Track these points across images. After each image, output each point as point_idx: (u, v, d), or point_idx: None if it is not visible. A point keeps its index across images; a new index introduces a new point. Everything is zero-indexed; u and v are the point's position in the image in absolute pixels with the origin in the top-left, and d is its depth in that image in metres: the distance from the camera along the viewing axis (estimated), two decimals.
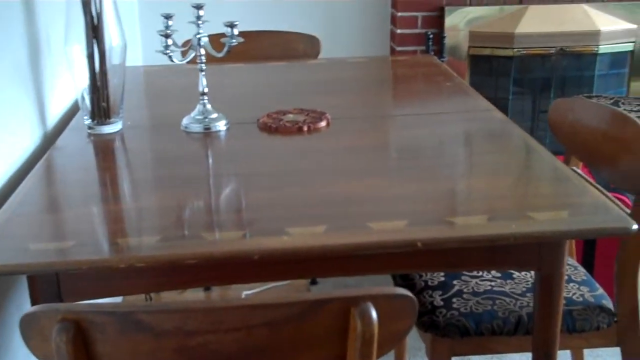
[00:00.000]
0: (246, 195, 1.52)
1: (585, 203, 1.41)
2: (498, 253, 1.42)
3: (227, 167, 1.71)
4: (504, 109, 3.66)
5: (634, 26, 3.66)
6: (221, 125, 1.91)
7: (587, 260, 2.60)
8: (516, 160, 1.71)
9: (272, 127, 1.91)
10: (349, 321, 1.01)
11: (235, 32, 1.83)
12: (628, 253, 1.68)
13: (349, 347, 1.03)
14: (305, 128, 1.90)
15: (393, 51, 3.71)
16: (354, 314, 1.00)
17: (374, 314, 1.00)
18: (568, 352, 2.27)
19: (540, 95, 3.69)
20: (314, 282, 2.79)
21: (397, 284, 1.87)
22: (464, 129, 1.93)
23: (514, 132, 1.84)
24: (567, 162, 1.97)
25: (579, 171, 1.93)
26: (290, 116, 1.97)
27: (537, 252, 1.42)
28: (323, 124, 1.92)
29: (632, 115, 3.10)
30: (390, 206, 1.43)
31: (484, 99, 2.14)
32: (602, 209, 1.38)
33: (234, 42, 1.84)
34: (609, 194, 1.76)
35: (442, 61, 3.56)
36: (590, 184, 1.81)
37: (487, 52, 3.63)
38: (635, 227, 1.32)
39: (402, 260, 1.40)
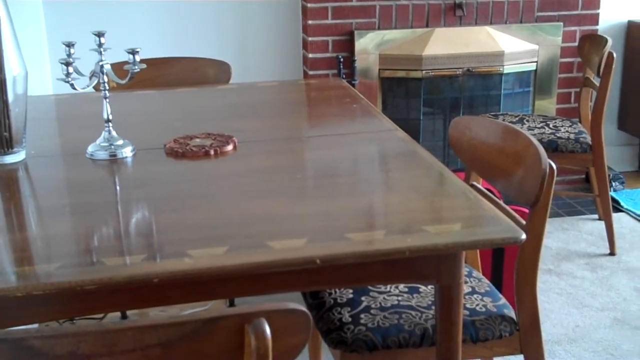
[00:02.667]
0: (150, 220, 1.53)
1: (477, 216, 1.47)
2: (398, 267, 1.46)
3: (133, 193, 1.71)
4: (415, 129, 3.75)
5: (536, 47, 3.81)
6: (127, 152, 1.91)
7: (496, 272, 2.68)
8: (415, 177, 1.76)
9: (179, 152, 1.92)
10: (243, 338, 1.03)
11: (137, 58, 1.84)
12: (525, 263, 1.75)
13: None
14: (212, 152, 1.91)
15: (306, 75, 3.77)
16: (247, 331, 1.02)
17: (267, 329, 1.02)
18: None
19: (450, 115, 3.80)
20: (232, 304, 2.79)
21: (307, 302, 1.89)
22: (367, 148, 1.98)
23: (415, 150, 1.90)
24: (467, 177, 2.04)
25: (479, 186, 2.00)
26: (197, 141, 1.99)
27: (436, 265, 1.47)
28: (230, 147, 1.95)
29: (536, 131, 3.22)
30: (291, 225, 1.46)
31: (388, 119, 2.20)
32: (493, 220, 1.44)
33: (137, 68, 1.85)
34: (507, 207, 1.84)
35: (354, 84, 3.64)
36: (490, 198, 1.88)
37: (397, 74, 3.71)
38: (523, 237, 1.38)
39: (304, 278, 1.43)
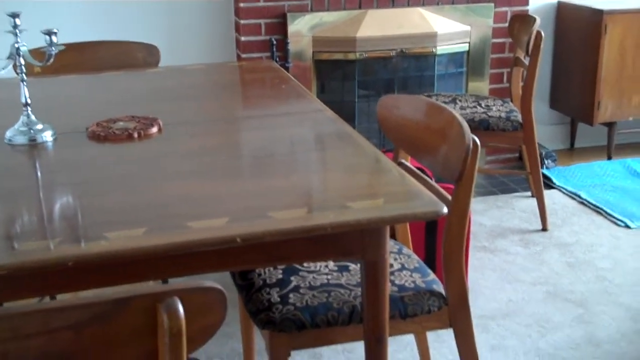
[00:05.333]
0: (69, 205, 1.49)
1: (401, 191, 1.47)
2: (322, 244, 1.45)
3: (53, 178, 1.67)
4: (351, 111, 3.75)
5: (468, 28, 3.84)
6: (47, 136, 1.86)
7: (429, 250, 2.70)
8: (341, 156, 1.76)
9: (101, 135, 1.87)
10: (156, 318, 1.01)
11: (55, 39, 1.79)
12: (452, 238, 1.76)
13: (159, 344, 1.02)
14: (136, 135, 1.88)
15: (239, 58, 3.73)
16: (160, 310, 1.00)
17: (180, 308, 1.00)
18: (412, 339, 2.35)
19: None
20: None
21: (236, 284, 1.87)
22: (295, 129, 1.96)
23: (343, 129, 1.89)
24: (396, 155, 2.04)
25: (407, 164, 2.00)
26: (121, 124, 1.95)
27: (360, 240, 1.46)
28: (154, 129, 1.91)
29: (468, 111, 3.25)
30: (212, 205, 1.43)
31: (318, 100, 2.19)
32: (416, 195, 1.44)
33: (54, 50, 1.80)
34: (434, 183, 1.85)
35: (287, 67, 3.62)
36: (416, 174, 1.88)
37: (331, 56, 3.70)
38: (445, 210, 1.38)
39: (227, 258, 1.40)
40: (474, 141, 1.66)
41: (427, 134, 1.83)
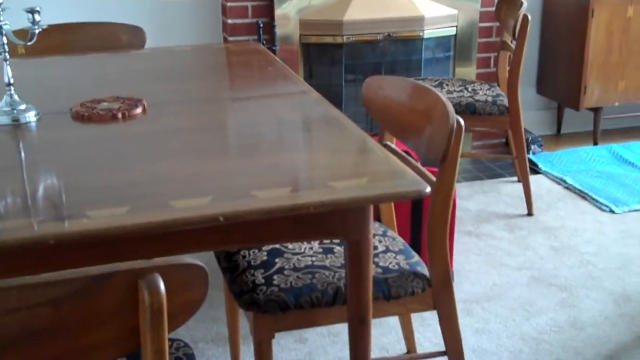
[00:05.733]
0: (52, 184, 1.48)
1: (384, 171, 1.47)
2: (305, 224, 1.45)
3: (36, 157, 1.66)
4: (338, 95, 3.74)
5: (455, 11, 3.83)
6: (31, 116, 1.85)
7: (415, 232, 2.70)
8: (325, 136, 1.75)
9: (85, 115, 1.86)
10: (137, 294, 1.00)
11: (38, 18, 1.78)
12: (436, 219, 1.76)
13: (140, 320, 1.02)
14: (120, 115, 1.87)
15: (226, 41, 3.71)
16: (141, 286, 1.00)
17: (161, 284, 1.00)
18: (397, 323, 2.36)
19: None
20: None
21: (221, 266, 1.87)
22: (280, 110, 1.96)
23: (328, 110, 1.88)
24: (381, 137, 2.04)
25: (392, 145, 2.00)
26: (105, 104, 1.94)
27: (343, 220, 1.46)
28: (139, 110, 1.90)
29: (455, 95, 3.24)
30: (196, 184, 1.43)
31: (303, 82, 2.18)
32: (399, 175, 1.44)
33: (37, 28, 1.78)
34: (418, 164, 1.85)
35: (274, 50, 3.60)
36: (400, 155, 1.88)
37: (318, 40, 3.69)
38: (428, 189, 1.38)
39: (211, 237, 1.40)
40: (458, 122, 1.66)
41: (412, 115, 1.83)
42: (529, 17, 3.10)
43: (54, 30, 2.83)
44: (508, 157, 3.70)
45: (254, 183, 1.43)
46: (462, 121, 1.66)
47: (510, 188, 3.67)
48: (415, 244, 2.68)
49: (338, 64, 3.74)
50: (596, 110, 4.19)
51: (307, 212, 1.33)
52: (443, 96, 1.72)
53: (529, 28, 3.10)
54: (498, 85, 3.47)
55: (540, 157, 4.01)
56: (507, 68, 3.38)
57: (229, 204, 1.33)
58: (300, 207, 1.32)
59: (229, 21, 3.61)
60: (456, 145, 1.66)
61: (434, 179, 1.73)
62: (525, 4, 3.17)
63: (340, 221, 1.46)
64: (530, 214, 3.37)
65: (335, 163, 1.55)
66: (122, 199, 1.36)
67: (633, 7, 3.95)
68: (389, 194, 1.38)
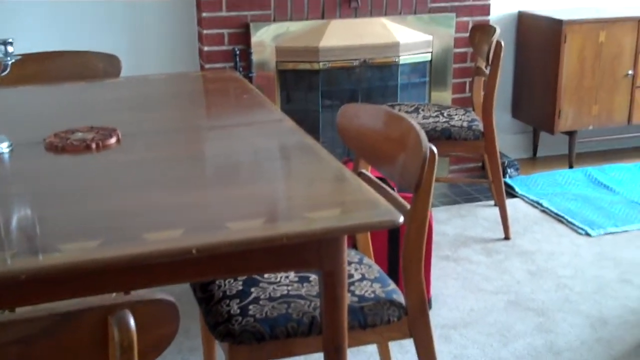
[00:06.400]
0: (25, 216, 1.47)
1: (357, 200, 1.47)
2: (279, 255, 1.44)
3: (8, 189, 1.64)
4: (315, 120, 3.75)
5: (430, 37, 3.87)
6: (4, 147, 1.84)
7: (393, 260, 2.70)
8: (300, 165, 1.76)
9: (59, 146, 1.86)
10: (107, 331, 1.00)
11: (10, 49, 1.77)
12: (411, 247, 1.76)
13: (110, 357, 1.01)
14: (94, 145, 1.86)
15: (202, 68, 3.72)
16: (110, 323, 0.99)
17: (131, 321, 0.99)
18: (375, 350, 2.36)
19: None
20: None
21: (196, 296, 1.86)
22: (254, 138, 1.96)
23: (302, 139, 1.89)
24: (356, 165, 2.05)
25: (368, 173, 2.01)
26: (79, 134, 1.93)
27: (317, 251, 1.46)
28: (113, 140, 1.90)
29: (430, 120, 3.27)
30: (169, 216, 1.42)
31: (278, 109, 2.19)
32: (372, 204, 1.44)
33: (10, 59, 1.78)
34: (392, 192, 1.85)
35: (251, 77, 3.61)
36: (375, 183, 1.89)
37: (294, 66, 3.71)
38: (401, 219, 1.39)
39: (184, 270, 1.39)
40: (432, 150, 1.66)
41: (386, 143, 1.84)
42: (502, 43, 3.13)
43: (29, 59, 2.83)
44: (484, 181, 3.72)
45: (228, 214, 1.42)
46: (435, 149, 1.67)
47: (488, 212, 3.69)
48: (393, 270, 2.69)
49: (315, 90, 3.76)
50: (571, 134, 4.24)
51: (280, 243, 1.33)
52: (416, 124, 1.73)
53: (502, 54, 3.13)
54: (473, 110, 3.50)
55: (516, 181, 4.04)
56: (482, 93, 3.41)
57: (202, 236, 1.33)
58: (274, 239, 1.32)
59: (206, 48, 3.62)
60: (430, 173, 1.67)
61: (408, 206, 1.74)
62: (498, 31, 3.21)
63: (314, 252, 1.46)
64: (507, 237, 3.38)
65: (310, 193, 1.56)
66: (94, 232, 1.35)
67: (605, 32, 4.01)
68: (362, 225, 1.38)
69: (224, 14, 3.59)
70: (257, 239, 1.32)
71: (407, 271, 1.78)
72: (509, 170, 4.09)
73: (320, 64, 3.67)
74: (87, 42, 3.42)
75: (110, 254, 1.27)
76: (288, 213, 1.43)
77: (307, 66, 3.69)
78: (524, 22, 4.26)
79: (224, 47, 3.64)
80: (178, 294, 2.64)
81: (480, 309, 2.79)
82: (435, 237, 3.26)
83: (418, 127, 1.71)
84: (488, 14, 3.98)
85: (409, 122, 1.74)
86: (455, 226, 3.53)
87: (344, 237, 1.47)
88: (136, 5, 3.69)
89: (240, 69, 3.61)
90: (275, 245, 1.35)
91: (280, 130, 1.99)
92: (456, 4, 3.90)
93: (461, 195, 3.92)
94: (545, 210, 3.68)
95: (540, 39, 4.14)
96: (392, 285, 1.88)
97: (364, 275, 1.90)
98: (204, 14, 3.57)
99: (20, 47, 1.83)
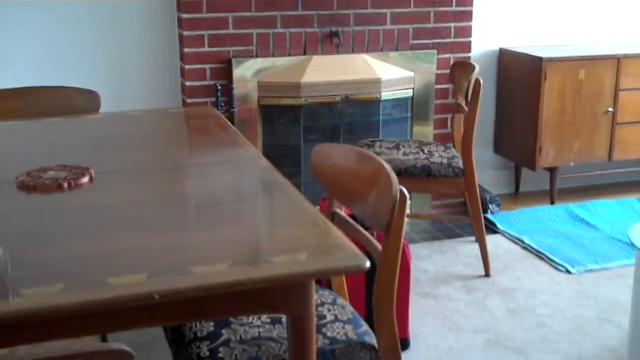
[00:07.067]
0: None
1: (324, 244, 1.46)
2: (246, 298, 1.43)
3: None
4: (296, 155, 3.75)
5: (411, 74, 3.89)
6: None
7: (370, 299, 2.68)
8: (269, 206, 1.75)
9: (30, 185, 1.85)
10: None
11: None
12: (381, 289, 1.75)
13: None
14: (66, 185, 1.85)
15: (184, 103, 3.72)
16: None
17: None
18: None
19: (330, 142, 3.82)
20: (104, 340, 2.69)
21: (167, 337, 1.84)
22: (227, 178, 1.96)
23: (275, 178, 1.89)
24: (330, 204, 2.04)
25: (341, 213, 2.01)
26: (51, 173, 1.92)
27: (285, 295, 1.45)
28: (85, 179, 1.89)
29: (411, 157, 3.27)
30: (133, 260, 1.41)
31: (253, 147, 2.19)
32: (339, 248, 1.43)
33: None
34: (365, 232, 1.85)
35: (232, 112, 3.62)
36: (348, 223, 1.88)
37: (276, 101, 3.72)
38: (367, 264, 1.38)
39: (148, 314, 1.38)
40: (402, 191, 1.66)
41: (358, 182, 1.84)
42: (481, 81, 3.15)
43: (7, 94, 2.83)
44: (465, 218, 3.72)
45: (193, 258, 1.41)
46: (405, 191, 1.67)
47: (469, 248, 3.69)
48: (370, 310, 2.66)
49: (297, 125, 3.77)
50: (552, 170, 4.25)
51: (244, 288, 1.32)
52: (387, 165, 1.73)
53: (481, 92, 3.15)
54: (454, 147, 3.51)
55: (498, 217, 4.05)
56: (462, 130, 3.42)
57: (165, 281, 1.32)
58: (237, 284, 1.32)
59: (187, 83, 3.63)
60: (400, 215, 1.67)
61: (379, 247, 1.73)
62: (477, 68, 3.23)
63: (281, 296, 1.45)
64: (487, 274, 3.38)
65: (277, 236, 1.55)
66: (58, 276, 1.34)
67: (584, 69, 4.05)
68: (328, 269, 1.38)
69: (206, 49, 3.61)
70: (222, 284, 1.31)
71: (379, 312, 1.77)
72: (490, 206, 4.09)
73: (302, 99, 3.69)
74: (69, 78, 3.42)
75: (72, 299, 1.25)
76: (253, 257, 1.42)
77: (289, 101, 3.70)
78: (505, 59, 4.30)
79: (205, 82, 3.65)
80: (154, 335, 2.62)
81: (459, 348, 2.78)
82: (415, 274, 3.25)
83: (388, 168, 1.71)
84: (469, 50, 4.01)
85: (379, 162, 1.74)
86: (435, 263, 3.53)
87: (312, 280, 1.46)
88: (118, 39, 3.70)
89: (222, 104, 3.62)
90: (241, 289, 1.34)
91: (254, 169, 1.99)
92: (437, 40, 3.93)
93: (443, 231, 3.92)
94: (526, 247, 3.68)
95: (520, 75, 4.17)
96: (365, 327, 1.87)
97: (337, 317, 1.89)
98: (186, 50, 3.59)
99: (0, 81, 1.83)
